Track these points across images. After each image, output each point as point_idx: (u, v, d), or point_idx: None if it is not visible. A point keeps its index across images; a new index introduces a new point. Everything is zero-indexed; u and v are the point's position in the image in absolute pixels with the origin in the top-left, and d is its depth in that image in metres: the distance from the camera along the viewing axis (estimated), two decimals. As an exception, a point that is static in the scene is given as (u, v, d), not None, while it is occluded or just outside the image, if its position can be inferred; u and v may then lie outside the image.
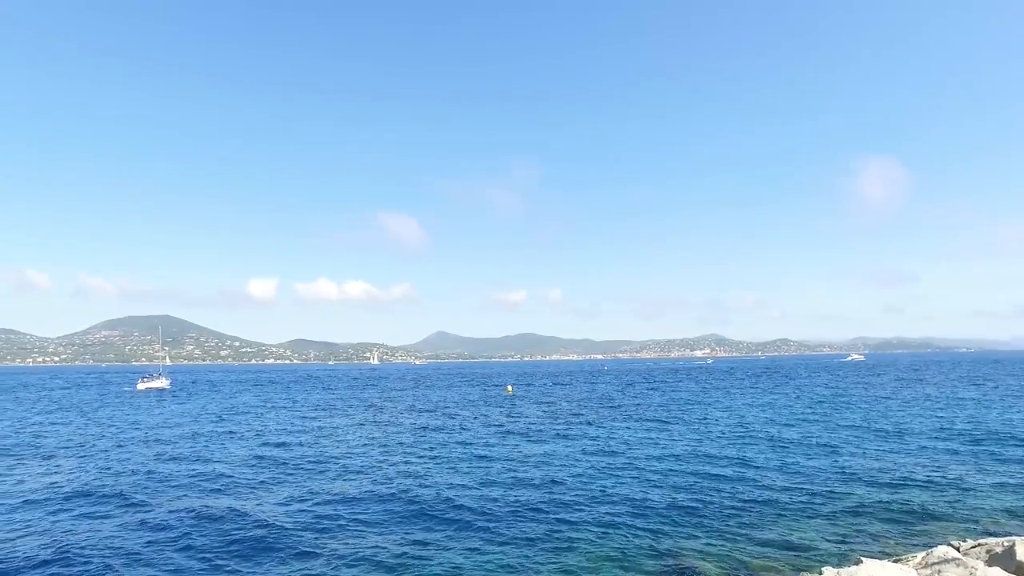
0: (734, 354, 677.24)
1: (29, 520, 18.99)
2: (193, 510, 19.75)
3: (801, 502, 19.84)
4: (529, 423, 44.07)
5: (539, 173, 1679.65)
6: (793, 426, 39.52)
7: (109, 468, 27.68)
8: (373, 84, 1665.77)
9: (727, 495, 20.96)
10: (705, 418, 45.31)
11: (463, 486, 23.07)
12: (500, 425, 42.96)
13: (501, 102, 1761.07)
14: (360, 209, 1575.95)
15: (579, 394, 76.38)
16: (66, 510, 20.22)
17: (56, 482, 24.60)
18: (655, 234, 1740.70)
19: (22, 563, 15.00)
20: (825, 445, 31.25)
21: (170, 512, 19.56)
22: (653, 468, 26.12)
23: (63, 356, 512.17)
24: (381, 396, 77.39)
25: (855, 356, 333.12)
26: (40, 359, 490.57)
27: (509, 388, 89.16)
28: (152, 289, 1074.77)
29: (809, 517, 18.18)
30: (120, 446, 34.73)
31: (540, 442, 34.49)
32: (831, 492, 21.10)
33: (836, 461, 26.85)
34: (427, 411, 54.97)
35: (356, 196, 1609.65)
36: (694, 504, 19.83)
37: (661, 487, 22.45)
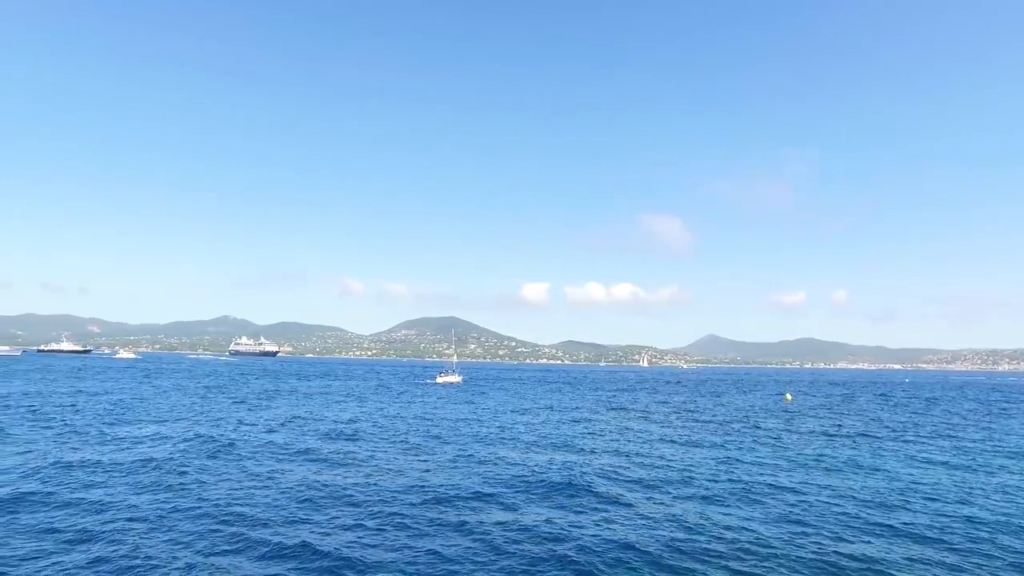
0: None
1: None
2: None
3: None
4: (806, 440, 36.19)
5: (817, 165, 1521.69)
6: None
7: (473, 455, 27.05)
8: (636, 91, 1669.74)
9: None
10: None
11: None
12: (777, 439, 36.13)
13: (773, 96, 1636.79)
14: (626, 212, 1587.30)
15: (875, 410, 63.37)
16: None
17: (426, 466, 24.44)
18: (967, 226, 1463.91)
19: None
20: None
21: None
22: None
23: (374, 350, 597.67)
24: (650, 399, 72.35)
25: None
26: (358, 352, 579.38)
27: (788, 396, 79.78)
28: (442, 293, 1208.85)
29: None
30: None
31: (827, 468, 27.51)
32: None
33: None
34: (701, 421, 49.43)
35: (621, 200, 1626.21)
36: None
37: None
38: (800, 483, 23.45)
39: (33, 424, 34.23)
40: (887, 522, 18.06)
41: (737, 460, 28.53)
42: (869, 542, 16.13)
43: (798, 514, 18.81)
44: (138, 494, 19.25)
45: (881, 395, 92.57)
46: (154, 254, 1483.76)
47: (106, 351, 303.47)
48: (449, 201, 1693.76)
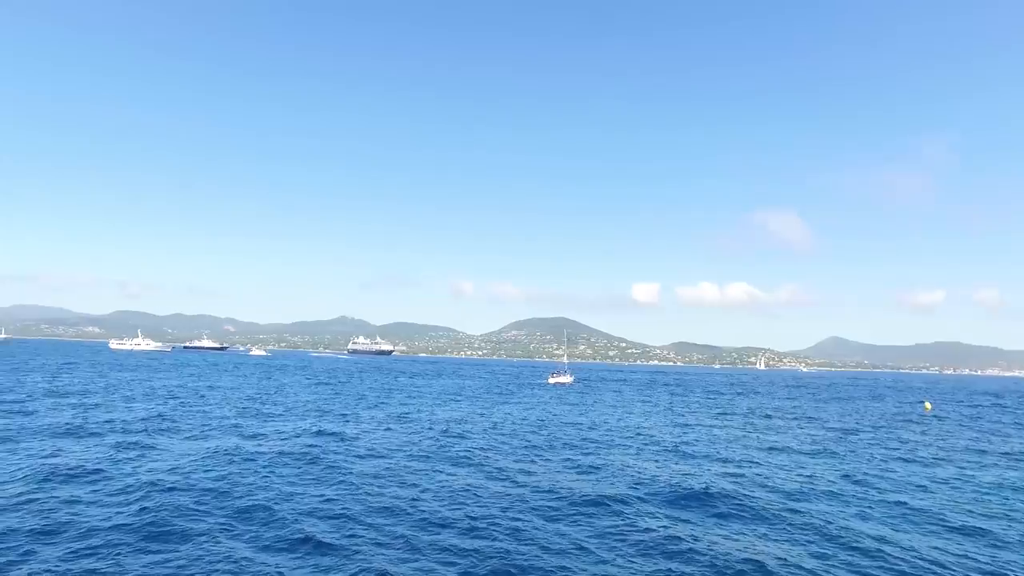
0: None
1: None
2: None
3: None
4: (949, 455, 32.69)
5: (958, 151, 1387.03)
6: None
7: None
8: (746, 80, 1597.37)
9: None
10: None
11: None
12: (912, 452, 32.65)
13: (901, 76, 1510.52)
14: (740, 209, 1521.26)
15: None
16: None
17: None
18: None
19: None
20: None
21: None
22: None
23: (484, 350, 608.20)
24: (768, 403, 68.57)
25: None
26: (469, 352, 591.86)
27: (928, 405, 72.71)
28: (551, 294, 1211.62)
29: None
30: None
31: (977, 490, 24.44)
32: None
33: None
34: (828, 428, 46.23)
35: (734, 196, 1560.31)
36: None
37: None
38: (943, 506, 20.88)
39: (204, 417, 37.05)
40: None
41: (869, 474, 26.17)
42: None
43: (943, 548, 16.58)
44: (291, 482, 20.18)
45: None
46: (280, 259, 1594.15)
47: (240, 348, 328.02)
48: (558, 201, 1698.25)
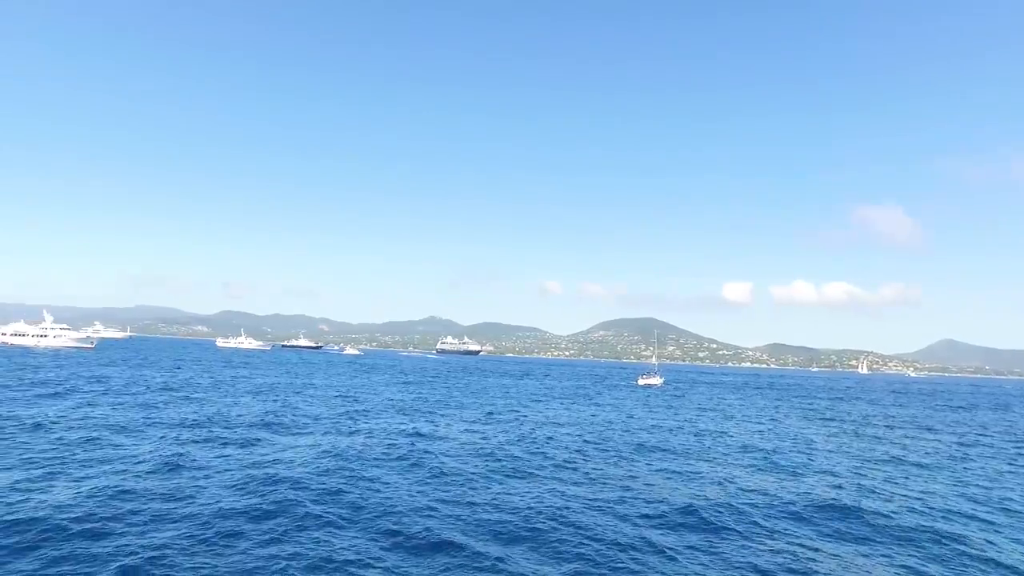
0: None
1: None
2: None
3: None
4: None
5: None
6: None
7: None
8: (851, 60, 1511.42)
9: None
10: None
11: None
12: None
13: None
14: (838, 203, 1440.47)
15: None
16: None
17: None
18: None
19: None
20: None
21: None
22: None
23: (571, 351, 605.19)
24: (873, 410, 64.06)
25: None
26: (556, 353, 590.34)
27: None
28: (639, 294, 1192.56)
29: None
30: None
31: None
32: None
33: None
34: (945, 443, 43.05)
35: (832, 189, 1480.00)
36: None
37: None
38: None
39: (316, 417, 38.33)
40: None
41: (991, 491, 23.71)
42: None
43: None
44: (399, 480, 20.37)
45: None
46: (372, 260, 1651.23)
47: (334, 347, 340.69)
48: (644, 199, 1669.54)
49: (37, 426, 27.32)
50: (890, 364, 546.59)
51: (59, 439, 24.64)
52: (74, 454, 22.07)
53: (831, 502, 20.16)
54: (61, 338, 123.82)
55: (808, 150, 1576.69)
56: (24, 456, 21.25)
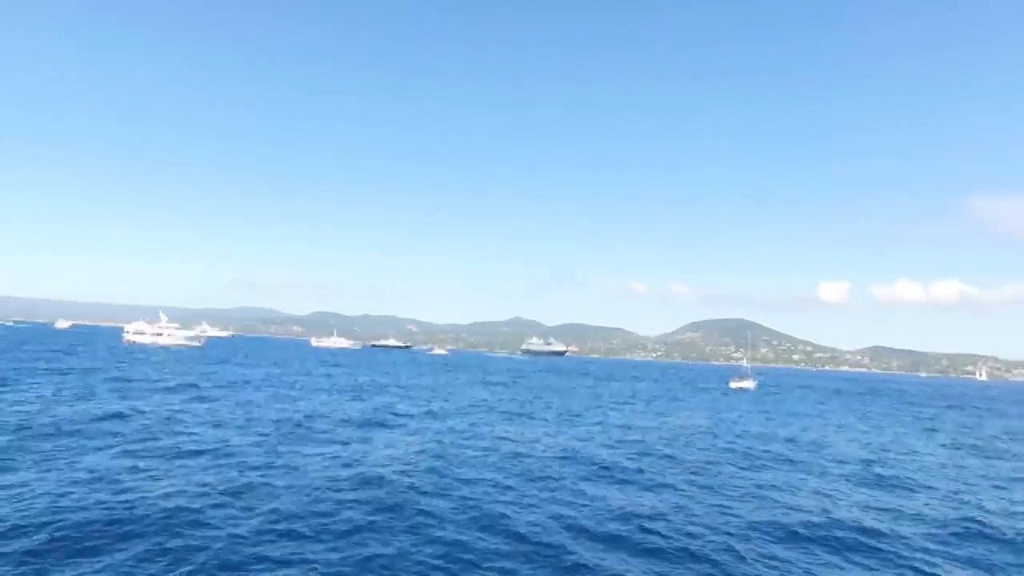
0: None
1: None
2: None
3: None
4: None
5: None
6: None
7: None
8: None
9: None
10: None
11: None
12: None
13: None
14: (949, 194, 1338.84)
15: None
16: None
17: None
18: None
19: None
20: None
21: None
22: None
23: (658, 352, 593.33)
24: (997, 423, 60.12)
25: None
26: (643, 354, 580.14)
27: None
28: (728, 294, 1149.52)
29: None
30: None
31: None
32: None
33: None
34: None
35: (942, 180, 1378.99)
36: None
37: None
38: None
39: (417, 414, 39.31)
40: None
41: None
42: None
43: None
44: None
45: None
46: (457, 263, 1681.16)
47: (423, 347, 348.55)
48: (731, 191, 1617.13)
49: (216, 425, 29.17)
50: (1014, 371, 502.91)
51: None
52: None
53: (972, 527, 18.73)
54: (174, 336, 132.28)
55: (917, 131, 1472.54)
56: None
